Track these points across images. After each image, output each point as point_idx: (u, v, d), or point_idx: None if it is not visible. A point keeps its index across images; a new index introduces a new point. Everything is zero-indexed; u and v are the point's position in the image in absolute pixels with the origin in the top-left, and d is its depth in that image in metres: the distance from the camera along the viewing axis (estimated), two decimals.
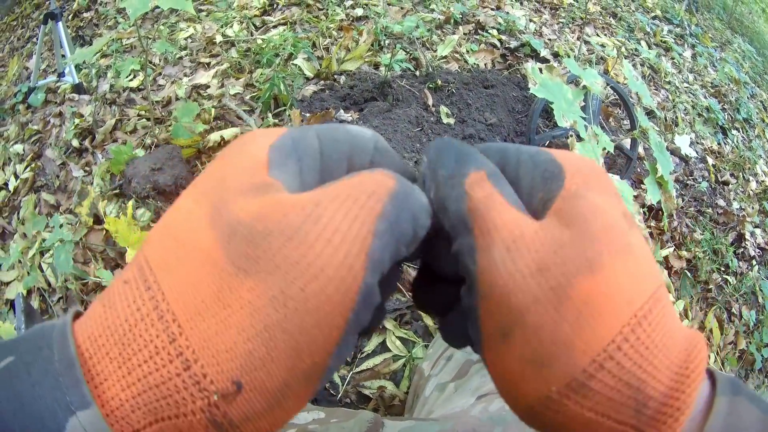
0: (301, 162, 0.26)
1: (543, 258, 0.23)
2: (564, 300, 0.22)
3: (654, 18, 3.19)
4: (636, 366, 0.22)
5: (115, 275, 1.48)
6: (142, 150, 1.75)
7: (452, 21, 2.25)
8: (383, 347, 1.26)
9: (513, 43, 2.20)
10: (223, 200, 0.23)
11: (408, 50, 2.04)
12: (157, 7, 2.03)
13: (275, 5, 2.33)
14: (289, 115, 1.74)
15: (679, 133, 2.31)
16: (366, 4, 2.29)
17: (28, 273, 1.58)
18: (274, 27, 2.23)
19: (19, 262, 1.64)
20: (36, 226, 1.66)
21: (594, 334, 0.22)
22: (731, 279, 1.98)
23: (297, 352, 0.22)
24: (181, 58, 2.14)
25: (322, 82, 1.93)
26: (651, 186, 1.16)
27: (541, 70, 1.07)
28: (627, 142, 1.94)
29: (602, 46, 2.52)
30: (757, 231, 2.20)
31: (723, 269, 1.99)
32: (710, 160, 2.31)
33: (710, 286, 1.90)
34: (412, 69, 1.96)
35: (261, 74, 1.95)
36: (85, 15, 2.65)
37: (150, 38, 2.23)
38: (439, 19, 2.24)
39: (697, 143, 2.38)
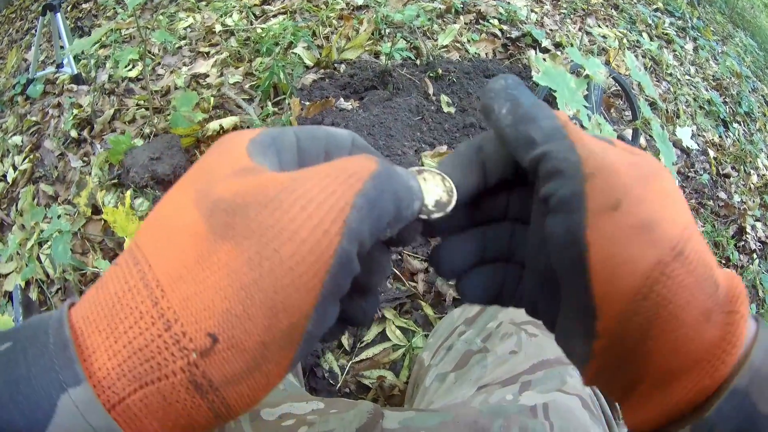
0: (279, 155, 0.28)
1: (627, 157, 0.28)
2: (652, 185, 0.26)
3: (656, 10, 3.17)
4: (705, 251, 0.26)
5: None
6: (141, 140, 1.74)
7: (453, 10, 2.23)
8: (383, 337, 1.26)
9: (514, 33, 2.18)
10: (207, 185, 0.24)
11: (408, 39, 2.03)
12: None
13: None
14: (289, 104, 1.73)
15: (681, 125, 2.30)
16: None
17: (27, 264, 1.58)
18: (274, 16, 2.22)
19: (17, 253, 1.63)
20: (34, 217, 1.65)
21: (677, 212, 0.26)
22: (732, 272, 1.98)
23: (273, 311, 0.22)
24: (180, 47, 2.13)
25: (322, 70, 1.92)
26: None
27: (544, 58, 1.06)
28: (628, 133, 1.93)
29: (604, 37, 2.51)
30: (758, 224, 2.20)
31: (724, 262, 1.98)
32: (711, 153, 2.30)
33: None
34: (413, 58, 1.94)
35: (260, 63, 1.93)
36: (84, 6, 2.64)
37: (149, 28, 2.22)
38: (440, 8, 2.23)
39: (699, 135, 2.37)
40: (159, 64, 2.08)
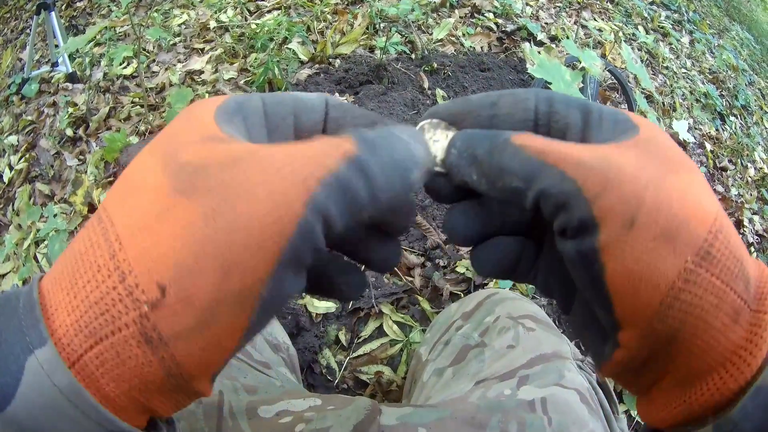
0: (246, 120, 0.27)
1: (633, 153, 0.25)
2: (669, 180, 0.25)
3: (652, 3, 3.16)
4: (736, 243, 0.25)
5: None
6: (136, 137, 1.73)
7: (448, 4, 2.22)
8: (380, 332, 1.26)
9: (509, 27, 2.18)
10: (175, 150, 0.24)
11: (403, 33, 2.02)
12: None
13: None
14: None
15: (677, 118, 2.29)
16: None
17: (23, 264, 1.57)
18: (268, 12, 2.21)
19: (14, 253, 1.63)
20: (30, 216, 1.65)
21: (700, 203, 0.24)
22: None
23: (225, 269, 0.22)
24: (174, 44, 2.12)
25: (316, 65, 1.91)
26: None
27: (539, 51, 1.05)
28: None
29: (599, 30, 2.50)
30: (756, 218, 2.19)
31: None
32: (708, 146, 2.30)
33: None
34: (408, 52, 1.94)
35: (255, 59, 1.93)
36: (78, 4, 2.62)
37: (143, 25, 2.21)
38: (434, 2, 2.22)
39: (695, 129, 2.37)
40: (154, 61, 2.07)
